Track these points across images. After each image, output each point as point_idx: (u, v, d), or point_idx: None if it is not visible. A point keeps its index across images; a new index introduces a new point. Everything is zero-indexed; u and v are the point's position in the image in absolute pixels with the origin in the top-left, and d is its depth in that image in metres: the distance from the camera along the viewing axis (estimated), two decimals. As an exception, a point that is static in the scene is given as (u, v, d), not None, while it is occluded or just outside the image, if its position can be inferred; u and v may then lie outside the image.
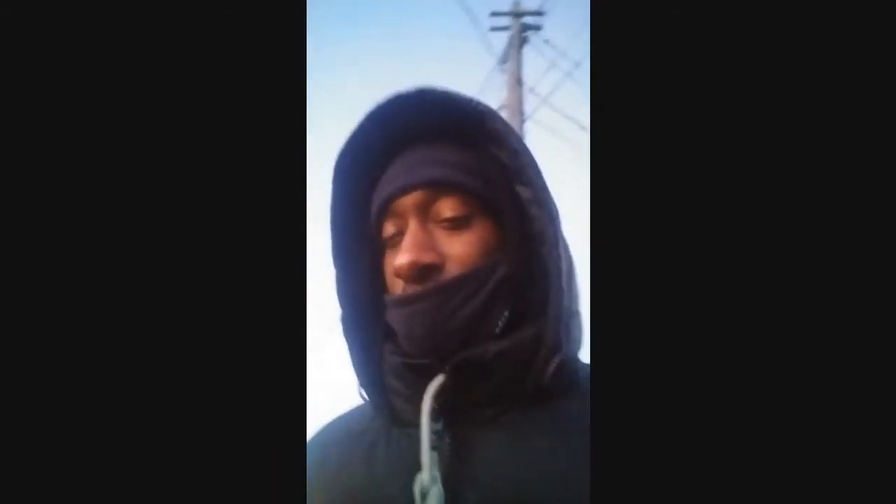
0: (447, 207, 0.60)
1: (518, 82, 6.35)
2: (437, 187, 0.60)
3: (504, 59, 6.55)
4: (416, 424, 0.56)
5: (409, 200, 0.61)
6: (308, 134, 0.52)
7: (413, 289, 0.59)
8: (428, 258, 0.59)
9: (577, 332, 0.63)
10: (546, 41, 6.51)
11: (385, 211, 0.63)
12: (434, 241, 0.60)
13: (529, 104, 6.37)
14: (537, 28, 6.54)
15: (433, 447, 0.55)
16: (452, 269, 0.59)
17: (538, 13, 6.51)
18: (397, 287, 0.62)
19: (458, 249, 0.60)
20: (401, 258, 0.58)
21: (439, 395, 0.57)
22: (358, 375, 0.65)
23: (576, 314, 0.63)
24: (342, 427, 0.69)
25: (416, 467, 0.54)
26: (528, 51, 6.57)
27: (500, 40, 6.61)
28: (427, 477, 0.53)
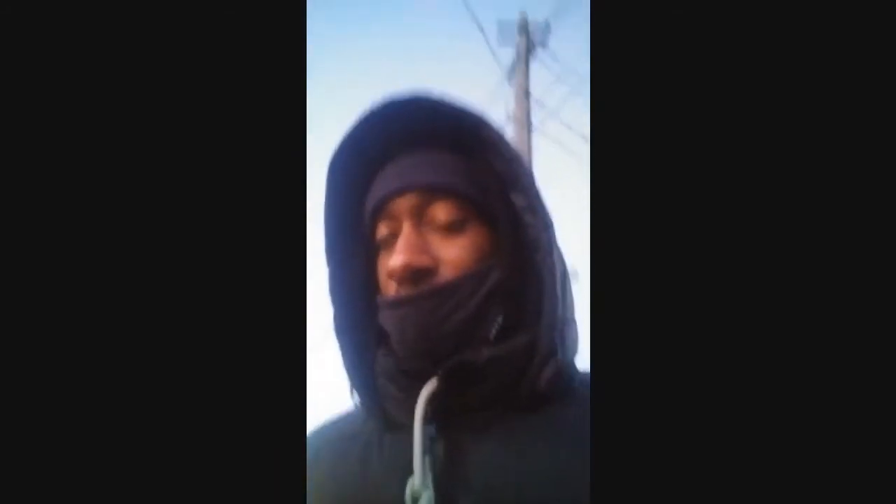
0: (442, 211, 0.60)
1: (525, 94, 6.36)
2: (433, 191, 0.60)
3: (512, 72, 6.57)
4: (409, 428, 0.55)
5: (404, 203, 0.61)
6: (308, 133, 0.53)
7: (406, 291, 0.59)
8: (422, 261, 0.58)
9: (571, 339, 0.62)
10: (552, 55, 6.54)
11: (379, 212, 0.63)
12: (428, 245, 0.60)
13: (536, 116, 6.39)
14: (543, 42, 6.56)
15: (426, 451, 0.55)
16: (446, 273, 0.59)
17: (544, 27, 6.54)
18: (390, 289, 0.62)
19: (452, 254, 0.60)
20: (394, 260, 0.58)
21: (432, 399, 0.56)
22: (350, 378, 0.65)
23: (570, 321, 0.63)
24: (334, 429, 0.69)
25: (410, 471, 0.54)
26: (535, 64, 6.59)
27: (508, 53, 6.64)
28: (419, 481, 0.53)
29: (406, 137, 0.63)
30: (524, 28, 6.53)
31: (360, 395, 0.64)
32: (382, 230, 0.63)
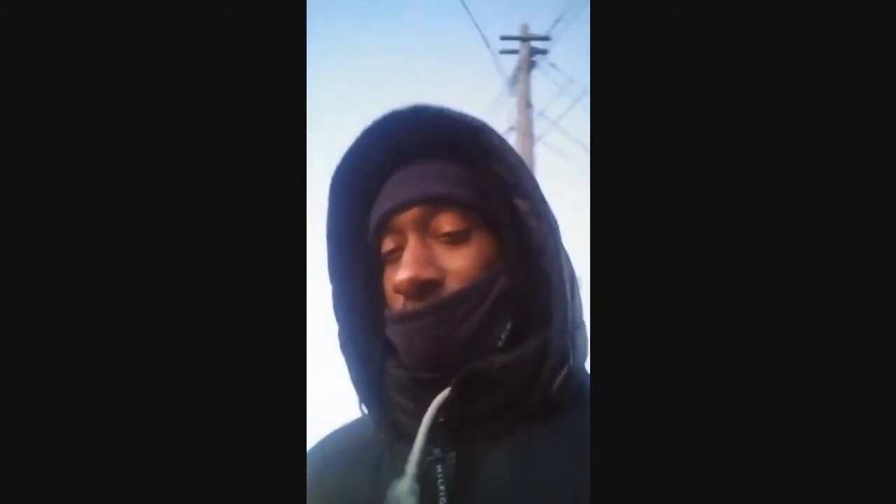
0: (446, 222, 0.60)
1: (527, 105, 6.41)
2: (437, 202, 0.61)
3: (514, 83, 6.62)
4: None
5: (409, 216, 0.61)
6: (308, 133, 0.52)
7: (413, 305, 0.59)
8: (428, 274, 0.58)
9: (582, 343, 0.62)
10: (553, 65, 6.60)
11: (384, 226, 0.63)
12: (434, 257, 0.60)
13: (539, 127, 6.43)
14: (544, 52, 6.62)
15: (437, 460, 0.55)
16: (452, 284, 0.59)
17: (545, 38, 6.60)
18: (397, 302, 0.62)
19: (458, 264, 0.60)
20: (401, 274, 0.58)
21: (444, 409, 0.56)
22: (358, 392, 0.64)
23: (580, 324, 0.63)
24: (343, 439, 0.69)
25: (422, 482, 0.53)
26: (537, 75, 6.65)
27: (511, 63, 6.71)
28: (407, 486, 0.52)
29: (407, 149, 0.64)
30: (525, 39, 6.59)
31: (370, 408, 0.64)
32: (388, 244, 0.63)
